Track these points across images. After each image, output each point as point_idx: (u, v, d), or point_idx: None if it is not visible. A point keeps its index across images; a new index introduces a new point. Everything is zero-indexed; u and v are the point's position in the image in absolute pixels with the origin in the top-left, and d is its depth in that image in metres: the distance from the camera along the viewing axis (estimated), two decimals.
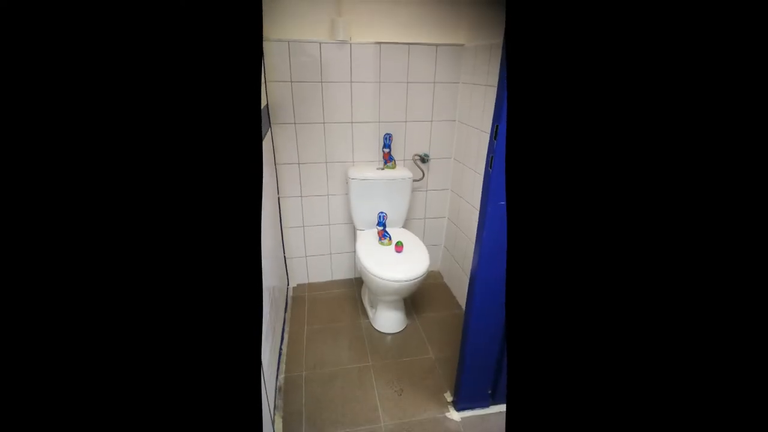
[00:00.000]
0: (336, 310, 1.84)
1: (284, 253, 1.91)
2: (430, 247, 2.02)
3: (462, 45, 1.66)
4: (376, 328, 1.70)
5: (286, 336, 1.66)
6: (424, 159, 1.84)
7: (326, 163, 1.77)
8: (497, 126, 0.86)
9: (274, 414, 1.24)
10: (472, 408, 1.31)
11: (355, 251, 1.67)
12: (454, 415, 1.29)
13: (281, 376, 1.43)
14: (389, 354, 1.57)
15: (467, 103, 1.68)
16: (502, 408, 1.32)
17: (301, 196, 1.82)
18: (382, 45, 1.59)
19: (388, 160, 1.75)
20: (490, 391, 1.29)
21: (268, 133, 1.52)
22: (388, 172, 1.71)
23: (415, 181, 1.80)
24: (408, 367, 1.50)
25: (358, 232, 1.79)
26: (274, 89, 1.58)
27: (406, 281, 1.43)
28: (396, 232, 1.74)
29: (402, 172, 1.73)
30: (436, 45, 1.64)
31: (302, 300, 1.92)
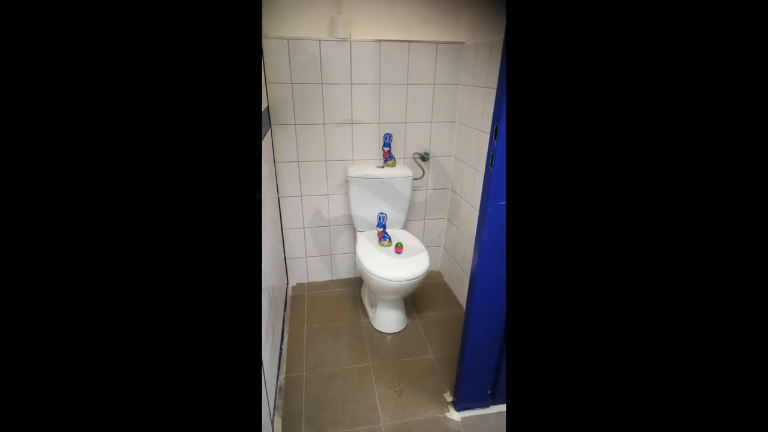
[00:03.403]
0: (336, 310, 1.84)
1: (284, 253, 1.91)
2: (430, 248, 2.01)
3: (462, 43, 1.65)
4: (376, 327, 1.70)
5: (286, 336, 1.66)
6: (424, 157, 1.83)
7: (326, 161, 1.77)
8: (497, 127, 0.86)
9: (274, 414, 1.24)
10: (472, 408, 1.31)
11: (355, 253, 1.66)
12: (454, 415, 1.29)
13: (282, 377, 1.43)
14: (389, 354, 1.56)
15: (467, 104, 1.68)
16: (502, 408, 1.32)
17: (300, 196, 1.82)
18: (381, 43, 1.59)
19: (388, 158, 1.74)
20: (489, 391, 1.29)
21: (268, 133, 1.52)
22: (388, 171, 1.71)
23: (415, 179, 1.79)
24: (408, 367, 1.49)
25: (358, 234, 1.79)
26: (275, 91, 1.58)
27: (405, 281, 1.42)
28: (396, 234, 1.74)
29: (402, 171, 1.72)
30: (436, 43, 1.63)
31: (302, 299, 1.91)
